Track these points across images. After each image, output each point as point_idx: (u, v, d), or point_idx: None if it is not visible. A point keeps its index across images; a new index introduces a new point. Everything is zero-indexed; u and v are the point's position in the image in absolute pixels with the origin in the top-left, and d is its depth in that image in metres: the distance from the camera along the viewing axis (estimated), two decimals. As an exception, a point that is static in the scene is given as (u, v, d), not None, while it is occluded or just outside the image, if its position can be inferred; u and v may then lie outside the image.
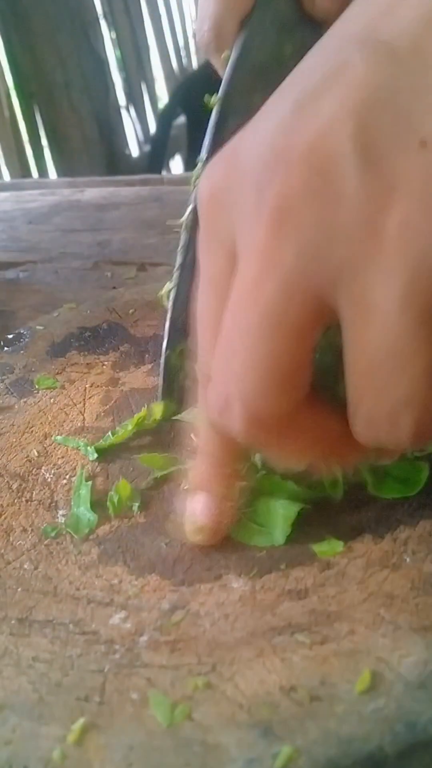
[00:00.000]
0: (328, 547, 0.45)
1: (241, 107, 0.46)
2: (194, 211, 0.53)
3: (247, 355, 0.36)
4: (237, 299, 0.36)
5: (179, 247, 0.56)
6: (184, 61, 4.27)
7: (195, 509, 0.46)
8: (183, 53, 4.26)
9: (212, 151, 0.52)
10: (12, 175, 3.02)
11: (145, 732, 0.35)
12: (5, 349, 0.70)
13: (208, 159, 0.52)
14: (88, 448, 0.56)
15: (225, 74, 0.52)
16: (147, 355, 0.67)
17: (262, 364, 0.36)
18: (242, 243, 0.36)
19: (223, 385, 0.37)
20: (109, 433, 0.57)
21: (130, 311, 0.74)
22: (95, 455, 0.55)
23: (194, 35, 0.62)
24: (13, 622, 0.42)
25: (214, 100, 0.53)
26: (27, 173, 3.12)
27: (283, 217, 0.33)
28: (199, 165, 0.54)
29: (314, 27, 0.51)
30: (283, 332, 0.35)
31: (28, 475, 0.54)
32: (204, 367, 0.41)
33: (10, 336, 0.72)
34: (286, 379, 0.36)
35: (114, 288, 0.88)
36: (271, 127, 0.35)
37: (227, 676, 0.37)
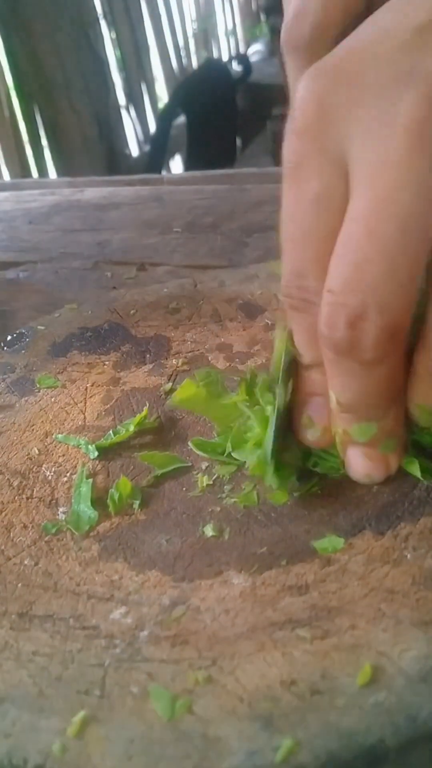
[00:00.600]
0: (329, 544, 0.45)
1: None
2: None
3: (386, 264, 0.36)
4: (370, 210, 0.36)
5: None
6: (184, 61, 4.28)
7: (312, 412, 0.47)
8: (183, 53, 4.27)
9: None
10: (12, 175, 3.02)
11: (145, 725, 0.35)
12: (6, 348, 0.70)
13: None
14: (89, 446, 0.56)
15: None
16: (148, 355, 0.67)
17: (403, 273, 0.36)
18: (367, 156, 0.36)
19: (355, 296, 0.37)
20: (110, 432, 0.57)
21: (131, 312, 0.74)
22: (96, 453, 0.55)
23: (285, 28, 0.45)
24: (13, 616, 0.43)
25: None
26: (27, 173, 3.12)
27: (422, 129, 0.34)
28: None
29: None
30: (425, 239, 0.36)
31: (29, 473, 0.54)
32: (301, 288, 0.41)
33: (11, 336, 0.72)
34: (417, 286, 0.37)
35: (114, 288, 0.88)
36: (392, 47, 0.36)
37: (228, 670, 0.37)
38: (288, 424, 0.49)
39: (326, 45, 0.44)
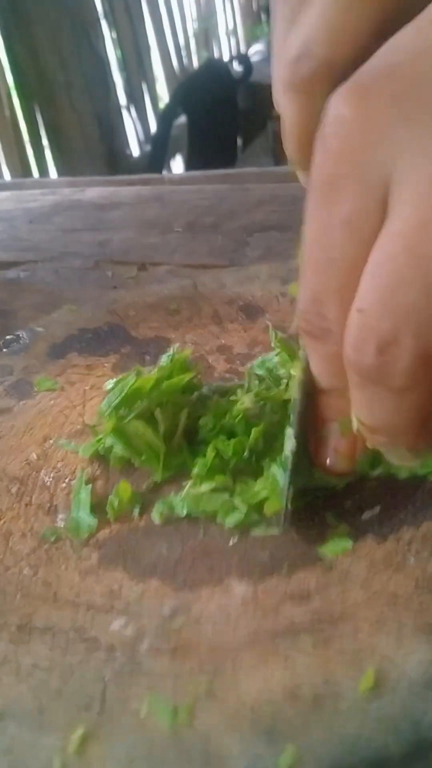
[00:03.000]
0: (337, 546, 0.44)
1: None
2: None
3: (425, 287, 0.34)
4: (411, 229, 0.34)
5: None
6: (185, 60, 4.28)
7: (333, 441, 0.45)
8: (184, 53, 4.27)
9: None
10: (13, 175, 3.02)
11: (146, 740, 0.35)
12: (4, 350, 0.70)
13: None
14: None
15: None
16: (148, 357, 0.67)
17: None
18: (414, 176, 0.34)
19: (388, 320, 0.35)
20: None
21: (131, 313, 0.73)
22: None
23: (288, 67, 0.48)
24: (12, 628, 0.42)
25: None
26: (28, 173, 3.12)
27: None
28: None
29: None
30: None
31: (28, 479, 0.54)
32: (320, 315, 0.38)
33: (10, 338, 0.71)
34: None
35: (115, 288, 0.88)
36: None
37: (230, 681, 0.37)
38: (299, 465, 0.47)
39: (331, 84, 0.41)
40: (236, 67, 3.97)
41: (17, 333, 0.72)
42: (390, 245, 0.35)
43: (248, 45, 5.06)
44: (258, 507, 0.48)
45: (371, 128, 0.35)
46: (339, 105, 0.36)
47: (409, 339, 0.35)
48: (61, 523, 0.50)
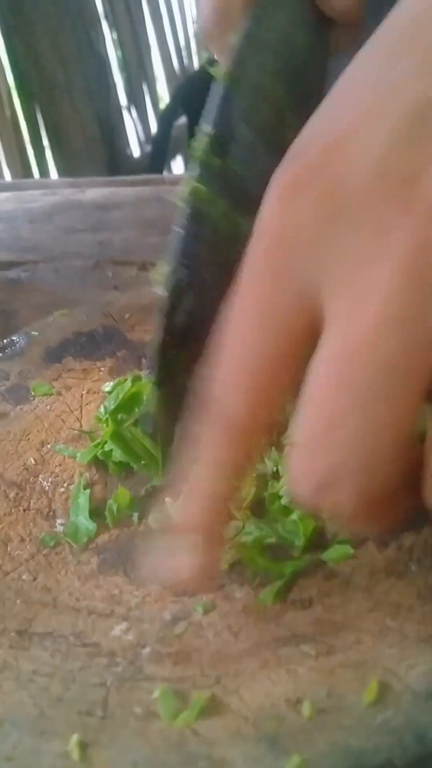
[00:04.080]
0: (338, 553, 0.44)
1: (251, 83, 0.42)
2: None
3: (365, 422, 0.30)
4: (347, 355, 0.30)
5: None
6: (186, 61, 4.27)
7: (186, 559, 0.37)
8: (184, 53, 4.26)
9: (219, 125, 0.43)
10: (13, 175, 3.02)
11: (149, 747, 0.34)
12: (-1, 355, 0.69)
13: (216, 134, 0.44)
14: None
15: (235, 44, 0.45)
16: (144, 360, 0.66)
17: (385, 434, 0.30)
18: (347, 287, 0.30)
19: (327, 457, 0.31)
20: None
21: (126, 316, 0.72)
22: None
23: (197, 24, 0.54)
24: (12, 634, 0.42)
25: (217, 71, 0.44)
26: (28, 173, 3.12)
27: (418, 269, 0.28)
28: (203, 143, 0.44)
29: (328, 23, 0.47)
30: (413, 397, 0.30)
31: (26, 484, 0.53)
32: (217, 400, 0.34)
33: (4, 342, 0.71)
34: (407, 450, 0.31)
35: (115, 287, 0.88)
36: (382, 141, 0.29)
37: (232, 689, 0.37)
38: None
39: (235, 17, 0.47)
40: (237, 67, 3.97)
41: (12, 337, 0.71)
42: (324, 373, 0.31)
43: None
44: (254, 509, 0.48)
45: (298, 228, 0.32)
46: (269, 202, 0.33)
47: (349, 481, 0.31)
48: (59, 528, 0.50)
